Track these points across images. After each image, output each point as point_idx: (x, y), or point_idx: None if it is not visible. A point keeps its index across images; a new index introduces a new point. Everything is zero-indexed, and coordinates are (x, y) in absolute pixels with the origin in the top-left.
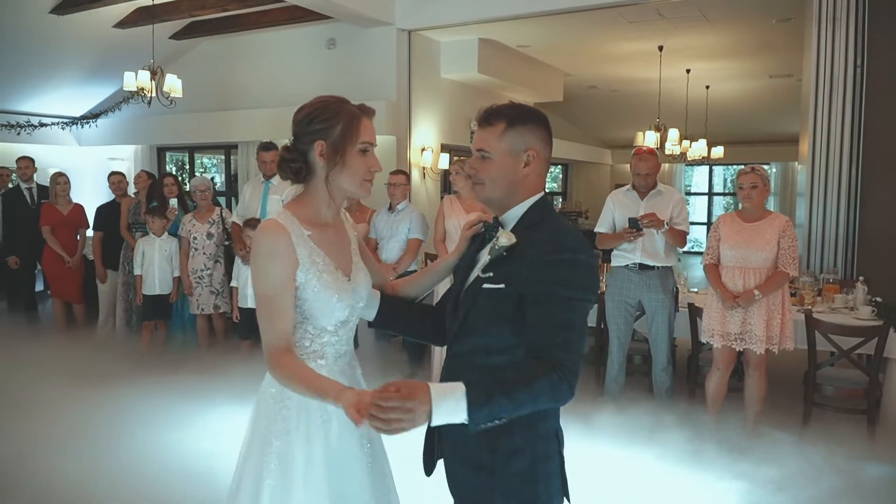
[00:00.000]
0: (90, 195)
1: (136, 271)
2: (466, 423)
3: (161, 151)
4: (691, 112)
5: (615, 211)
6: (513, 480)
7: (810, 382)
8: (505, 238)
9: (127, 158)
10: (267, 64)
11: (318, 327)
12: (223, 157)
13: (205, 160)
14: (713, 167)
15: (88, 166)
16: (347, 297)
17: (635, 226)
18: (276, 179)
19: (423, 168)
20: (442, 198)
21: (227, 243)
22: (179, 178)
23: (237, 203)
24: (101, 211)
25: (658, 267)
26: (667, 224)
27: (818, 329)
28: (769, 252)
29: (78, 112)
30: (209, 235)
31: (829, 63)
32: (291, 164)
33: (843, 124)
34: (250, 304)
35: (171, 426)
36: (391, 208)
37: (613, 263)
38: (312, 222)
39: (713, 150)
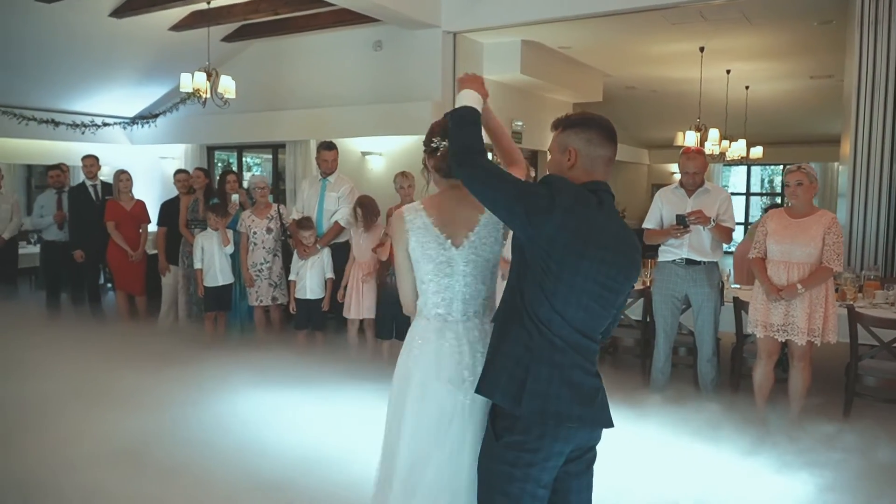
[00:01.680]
0: (141, 193)
1: (196, 265)
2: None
3: (210, 150)
4: (731, 112)
5: (663, 208)
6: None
7: (852, 373)
8: None
9: (177, 157)
10: (315, 65)
11: None
12: (270, 156)
13: (249, 159)
14: (751, 167)
15: (140, 165)
16: None
17: (682, 222)
18: (334, 177)
19: None
20: None
21: (283, 238)
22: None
23: (285, 201)
24: (166, 207)
25: (704, 262)
26: (713, 221)
27: (860, 322)
28: (814, 248)
29: (131, 112)
30: (268, 230)
31: (872, 64)
32: None
33: (885, 125)
34: (309, 295)
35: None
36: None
37: (660, 258)
38: None
39: (752, 150)
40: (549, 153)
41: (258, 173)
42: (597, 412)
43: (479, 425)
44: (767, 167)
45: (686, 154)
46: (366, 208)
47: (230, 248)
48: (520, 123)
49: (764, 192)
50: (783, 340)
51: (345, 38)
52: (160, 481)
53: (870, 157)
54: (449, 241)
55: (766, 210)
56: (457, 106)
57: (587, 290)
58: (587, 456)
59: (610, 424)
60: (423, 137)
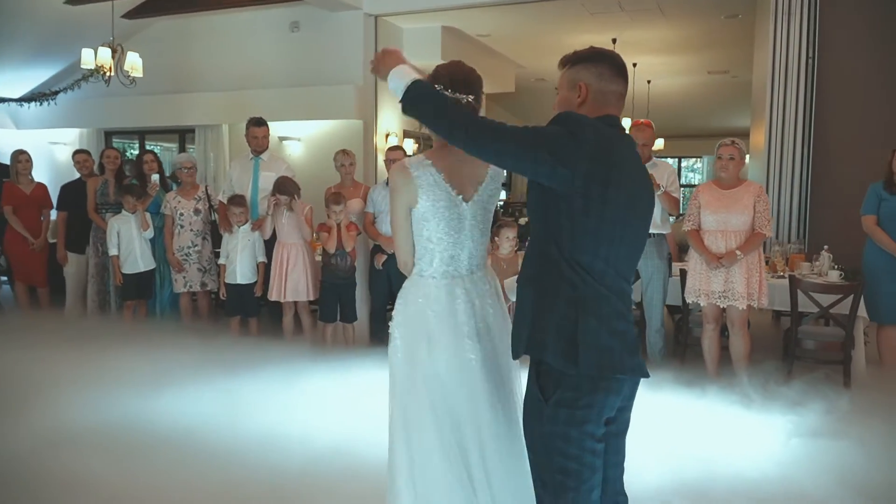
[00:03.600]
0: None
1: (112, 252)
2: (400, 93)
3: (108, 135)
4: (636, 105)
5: None
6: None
7: (793, 337)
8: None
9: (70, 143)
10: (228, 46)
11: None
12: (176, 144)
13: (153, 146)
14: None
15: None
16: None
17: None
18: (267, 155)
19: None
20: None
21: (212, 220)
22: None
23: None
24: (67, 190)
25: (653, 234)
26: (663, 187)
27: (800, 288)
28: (747, 216)
29: (18, 93)
30: (196, 212)
31: (785, 56)
32: None
33: (798, 115)
34: (240, 280)
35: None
36: (389, 183)
37: None
38: None
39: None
40: (557, 92)
41: (185, 153)
42: (640, 361)
43: (494, 383)
44: (667, 159)
45: (636, 126)
46: (287, 187)
47: (150, 233)
48: None
49: None
50: (724, 307)
51: (260, 18)
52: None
53: (783, 146)
54: (460, 196)
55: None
56: (391, 87)
57: (626, 222)
58: (626, 416)
59: (647, 374)
60: (343, 122)
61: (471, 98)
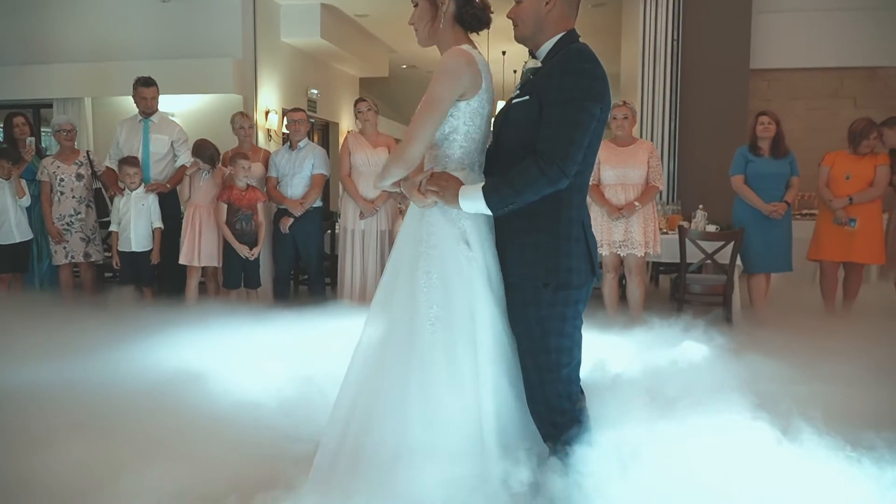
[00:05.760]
0: None
1: None
2: (488, 207)
3: None
4: (506, 93)
5: None
6: (541, 252)
7: (682, 281)
8: (532, 63)
9: None
10: (89, 15)
11: None
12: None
13: None
14: None
15: None
16: None
17: None
18: (157, 118)
19: (269, 130)
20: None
21: (97, 187)
22: None
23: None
24: None
25: None
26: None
27: (688, 237)
28: (643, 170)
29: None
30: (78, 177)
31: (653, 38)
32: None
33: (667, 95)
34: (134, 247)
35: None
36: (292, 146)
37: None
38: None
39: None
40: (517, 1)
41: (63, 115)
42: None
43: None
44: None
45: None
46: (207, 151)
47: (26, 201)
48: (315, 91)
49: None
50: (623, 255)
51: None
52: None
53: (653, 125)
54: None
55: None
56: (471, 211)
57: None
58: None
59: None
60: (221, 97)
61: None
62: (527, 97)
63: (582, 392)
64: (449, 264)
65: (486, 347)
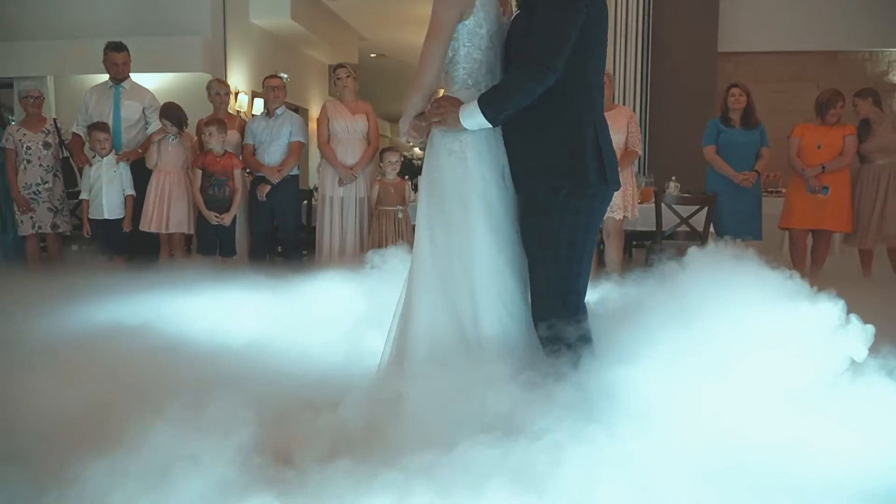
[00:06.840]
0: None
1: None
2: (485, 118)
3: None
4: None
5: None
6: (548, 157)
7: (658, 242)
8: None
9: None
10: None
11: None
12: None
13: None
14: None
15: None
16: None
17: None
18: (128, 84)
19: (239, 111)
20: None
21: (64, 156)
22: None
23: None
24: None
25: None
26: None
27: (664, 202)
28: (622, 135)
29: None
30: (45, 146)
31: (625, 18)
32: None
33: (637, 70)
34: (107, 215)
35: None
36: (269, 113)
37: None
38: None
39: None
40: None
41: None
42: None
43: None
44: None
45: None
46: (175, 113)
47: None
48: (284, 76)
49: None
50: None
51: None
52: None
53: (624, 102)
54: (500, 9)
55: None
56: (472, 127)
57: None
58: None
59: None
60: (190, 75)
61: None
62: (521, 11)
63: (585, 311)
64: (448, 183)
65: (482, 266)
